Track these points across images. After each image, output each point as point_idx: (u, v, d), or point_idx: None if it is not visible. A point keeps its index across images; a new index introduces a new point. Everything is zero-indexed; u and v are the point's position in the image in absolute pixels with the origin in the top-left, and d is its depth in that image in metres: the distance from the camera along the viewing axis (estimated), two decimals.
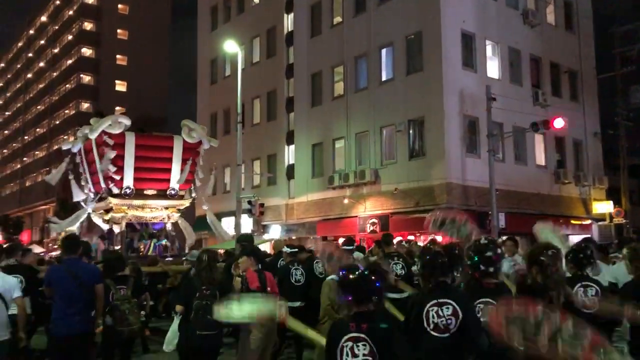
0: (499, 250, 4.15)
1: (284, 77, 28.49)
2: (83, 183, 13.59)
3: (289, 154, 27.86)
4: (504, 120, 20.90)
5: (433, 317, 3.90)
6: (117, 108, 57.57)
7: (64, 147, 13.97)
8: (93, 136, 12.29)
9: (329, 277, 6.40)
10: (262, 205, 22.02)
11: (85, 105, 57.90)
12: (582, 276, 4.68)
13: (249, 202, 20.90)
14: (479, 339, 3.72)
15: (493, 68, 22.53)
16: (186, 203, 13.60)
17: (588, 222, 24.74)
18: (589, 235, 21.23)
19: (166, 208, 13.14)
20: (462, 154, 20.69)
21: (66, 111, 59.14)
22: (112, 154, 12.05)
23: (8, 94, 76.12)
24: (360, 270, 3.64)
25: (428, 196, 20.27)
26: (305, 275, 8.14)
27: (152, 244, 12.79)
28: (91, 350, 6.39)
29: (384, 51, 23.25)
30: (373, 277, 3.55)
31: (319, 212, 25.03)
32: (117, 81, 59.76)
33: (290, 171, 27.46)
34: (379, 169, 22.56)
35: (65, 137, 51.46)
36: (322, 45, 25.95)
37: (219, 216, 29.44)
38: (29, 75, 69.51)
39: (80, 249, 6.40)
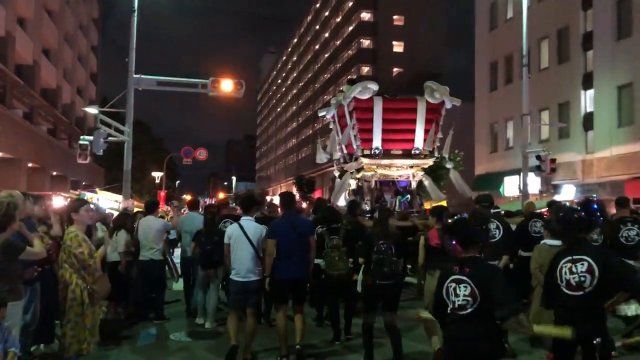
0: None
1: (579, 9, 24.72)
2: (337, 146, 14.64)
3: (587, 100, 24.44)
4: None
5: (566, 273, 3.84)
6: (395, 69, 58.20)
7: (320, 114, 15.36)
8: (345, 102, 13.29)
9: (542, 242, 6.04)
10: (553, 161, 18.93)
11: (365, 69, 59.87)
12: None
13: (538, 158, 18.06)
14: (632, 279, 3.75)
15: None
16: (430, 162, 13.95)
17: None
18: None
19: (411, 167, 13.75)
20: None
21: (348, 77, 62.03)
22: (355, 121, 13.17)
23: (301, 66, 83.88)
24: (463, 218, 3.95)
25: None
26: None
27: (398, 200, 13.39)
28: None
29: None
30: (475, 224, 3.85)
31: (628, 169, 20.93)
32: (394, 42, 60.28)
33: (588, 121, 24.00)
34: None
35: None
36: None
37: (501, 175, 27.30)
38: (317, 47, 75.05)
39: (295, 205, 7.21)
